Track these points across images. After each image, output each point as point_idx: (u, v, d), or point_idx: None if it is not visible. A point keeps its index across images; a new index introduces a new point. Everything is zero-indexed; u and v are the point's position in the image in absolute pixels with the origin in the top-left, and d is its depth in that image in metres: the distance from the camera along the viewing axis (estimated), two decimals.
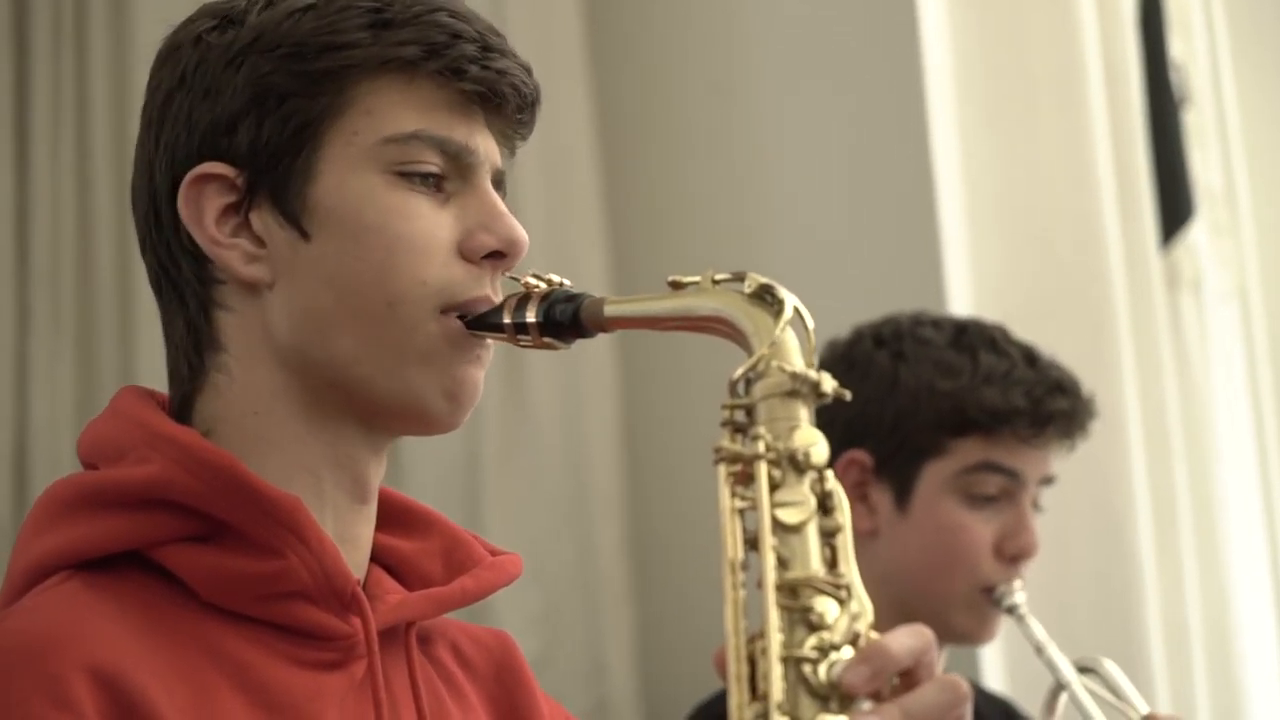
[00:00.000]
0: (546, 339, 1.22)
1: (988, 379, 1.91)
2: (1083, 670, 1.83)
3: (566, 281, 1.22)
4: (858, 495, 1.94)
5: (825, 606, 1.05)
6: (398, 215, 1.16)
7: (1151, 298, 2.89)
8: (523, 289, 1.22)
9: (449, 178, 1.18)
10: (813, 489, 1.08)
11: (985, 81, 2.91)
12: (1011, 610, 1.89)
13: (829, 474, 1.10)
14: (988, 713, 2.07)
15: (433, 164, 1.17)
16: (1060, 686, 1.83)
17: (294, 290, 1.16)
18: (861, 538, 1.93)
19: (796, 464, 1.08)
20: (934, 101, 2.85)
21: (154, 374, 3.83)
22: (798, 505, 1.07)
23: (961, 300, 2.79)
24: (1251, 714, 2.97)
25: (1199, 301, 3.14)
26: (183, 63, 1.19)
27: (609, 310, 1.22)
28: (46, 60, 3.56)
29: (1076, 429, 1.96)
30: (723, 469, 1.10)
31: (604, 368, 3.18)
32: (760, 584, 1.05)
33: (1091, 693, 1.81)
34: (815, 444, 1.09)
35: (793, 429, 1.09)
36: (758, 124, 3.09)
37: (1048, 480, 1.97)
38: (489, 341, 1.19)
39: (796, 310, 1.16)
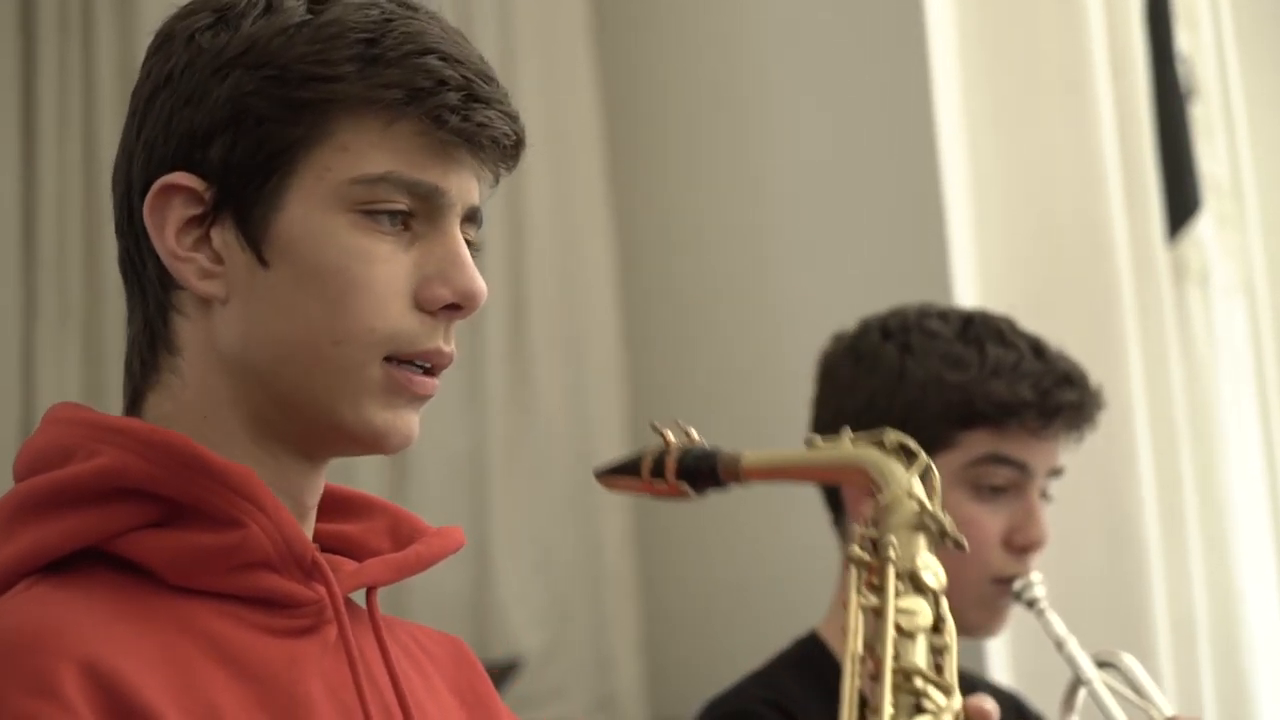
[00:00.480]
0: (681, 487, 1.32)
1: (995, 371, 1.91)
2: (1101, 665, 1.82)
3: (704, 441, 1.32)
4: (867, 491, 1.94)
5: (934, 695, 1.18)
6: (358, 258, 1.15)
7: (1158, 290, 2.89)
8: (661, 441, 1.33)
9: (417, 215, 1.18)
10: (930, 604, 1.22)
11: (991, 75, 2.91)
12: (1032, 604, 1.88)
13: (944, 599, 1.23)
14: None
15: (400, 203, 1.17)
16: (1080, 681, 1.82)
17: (246, 311, 1.16)
18: None
19: (917, 584, 1.22)
20: (940, 94, 2.85)
21: None
22: (915, 615, 1.21)
23: (967, 293, 2.79)
24: (1258, 707, 2.97)
25: (1205, 294, 3.14)
26: (173, 59, 1.18)
27: (746, 464, 1.31)
28: (53, 52, 3.57)
29: (1084, 421, 1.96)
30: (854, 571, 1.24)
31: (609, 360, 3.18)
32: (875, 673, 1.19)
33: (1110, 688, 1.80)
34: (935, 570, 1.23)
35: (915, 555, 1.23)
36: (764, 117, 3.09)
37: (1056, 472, 1.97)
38: (426, 389, 1.19)
39: (929, 465, 1.30)
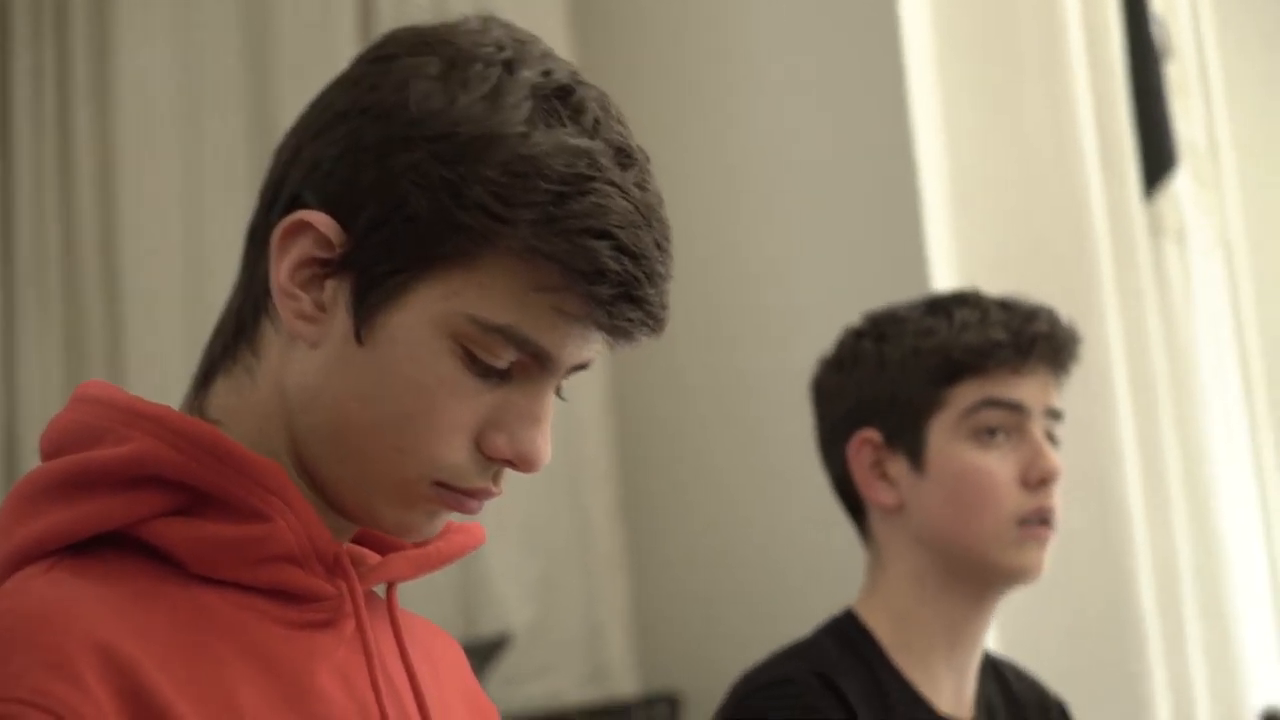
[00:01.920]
0: None
1: (965, 327, 1.94)
2: None
3: None
4: (876, 473, 1.95)
5: None
6: (443, 385, 1.11)
7: (1135, 247, 2.90)
8: None
9: (520, 365, 1.13)
10: None
11: (966, 36, 2.92)
12: None
13: None
14: (1020, 691, 2.07)
15: (504, 360, 1.11)
16: None
17: (326, 371, 1.13)
18: (891, 514, 1.93)
19: None
20: (914, 57, 2.86)
21: (141, 359, 3.82)
22: None
23: (945, 252, 2.80)
24: (1244, 657, 2.99)
25: (1183, 252, 3.16)
26: (377, 92, 1.12)
27: None
28: (27, 48, 3.56)
29: (1062, 351, 1.97)
30: None
31: None
32: None
33: None
34: None
35: None
36: (737, 101, 3.10)
37: (1054, 413, 1.98)
38: (472, 510, 1.16)
39: None
